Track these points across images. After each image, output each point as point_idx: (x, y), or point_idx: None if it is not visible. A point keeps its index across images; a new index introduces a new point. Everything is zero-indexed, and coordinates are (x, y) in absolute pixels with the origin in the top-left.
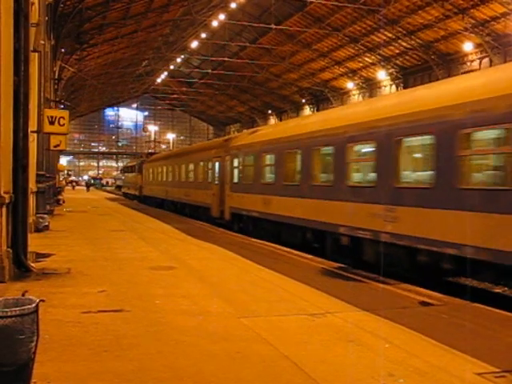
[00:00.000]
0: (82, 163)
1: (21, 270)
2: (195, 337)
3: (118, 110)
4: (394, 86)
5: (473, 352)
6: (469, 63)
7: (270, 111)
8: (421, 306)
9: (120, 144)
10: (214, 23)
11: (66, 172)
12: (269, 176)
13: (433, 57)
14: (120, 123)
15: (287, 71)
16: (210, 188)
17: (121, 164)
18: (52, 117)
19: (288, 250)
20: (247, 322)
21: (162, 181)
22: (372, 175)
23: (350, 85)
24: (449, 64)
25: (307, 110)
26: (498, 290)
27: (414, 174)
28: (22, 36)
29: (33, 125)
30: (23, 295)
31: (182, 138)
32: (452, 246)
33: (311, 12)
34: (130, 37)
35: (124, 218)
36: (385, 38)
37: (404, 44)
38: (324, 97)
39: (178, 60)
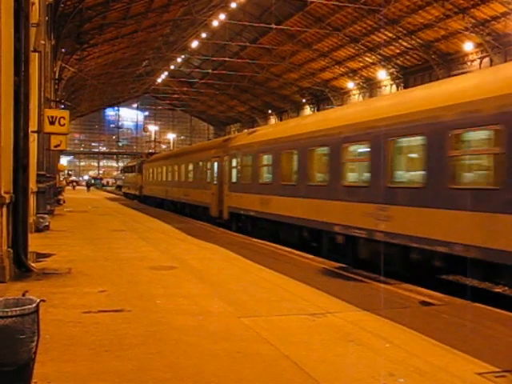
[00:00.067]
0: (82, 163)
1: (21, 270)
2: (196, 337)
3: (118, 110)
4: (394, 86)
5: (473, 352)
6: (469, 63)
7: (270, 111)
8: (421, 306)
9: (120, 144)
10: (215, 23)
11: (66, 172)
12: (266, 176)
13: (433, 56)
14: (120, 123)
15: (287, 71)
16: (209, 188)
17: (121, 164)
18: (52, 117)
19: (289, 250)
20: (248, 321)
21: (161, 181)
22: (366, 175)
23: (350, 85)
24: (449, 64)
25: (308, 110)
26: (498, 289)
27: (406, 173)
28: (22, 36)
29: (33, 125)
30: (24, 295)
31: (182, 137)
32: (443, 244)
33: (312, 12)
34: (131, 37)
35: (124, 218)
36: (385, 37)
37: (404, 44)
38: (324, 96)
39: (179, 60)
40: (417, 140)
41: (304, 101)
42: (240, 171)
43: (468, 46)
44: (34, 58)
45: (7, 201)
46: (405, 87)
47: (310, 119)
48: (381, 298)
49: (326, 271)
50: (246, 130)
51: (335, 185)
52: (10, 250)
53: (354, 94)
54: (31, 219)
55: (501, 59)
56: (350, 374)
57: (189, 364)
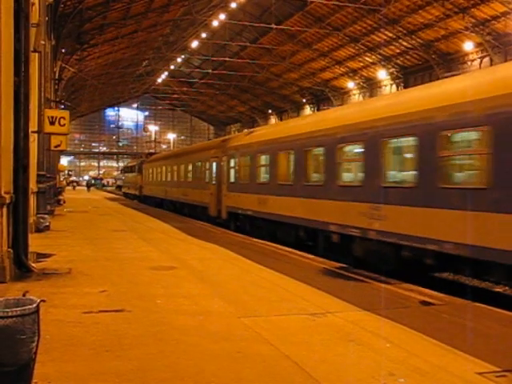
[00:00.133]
0: (82, 163)
1: (21, 270)
2: (196, 337)
3: (118, 110)
4: (394, 86)
5: (474, 351)
6: (469, 62)
7: (270, 111)
8: (422, 306)
9: (120, 144)
10: (215, 23)
11: (66, 172)
12: (264, 176)
13: (433, 56)
14: (120, 123)
15: (288, 71)
16: (208, 188)
17: (121, 164)
18: (52, 117)
19: (289, 250)
20: (248, 321)
21: (161, 181)
22: (360, 175)
23: (350, 84)
24: (449, 63)
25: (308, 110)
26: (498, 289)
27: (399, 173)
28: (22, 36)
29: (33, 125)
30: (24, 295)
31: (182, 137)
32: (433, 243)
33: (312, 12)
34: (131, 37)
35: (124, 218)
36: (385, 37)
37: (404, 43)
38: (324, 96)
39: (179, 60)
40: (409, 141)
41: (304, 101)
42: (238, 171)
43: (468, 46)
44: (34, 59)
45: (7, 201)
46: (405, 87)
47: (306, 120)
48: (381, 298)
49: (326, 271)
50: (244, 131)
51: (331, 185)
52: (10, 250)
53: (354, 94)
54: (31, 219)
55: (501, 59)
56: (351, 373)
57: (189, 364)
